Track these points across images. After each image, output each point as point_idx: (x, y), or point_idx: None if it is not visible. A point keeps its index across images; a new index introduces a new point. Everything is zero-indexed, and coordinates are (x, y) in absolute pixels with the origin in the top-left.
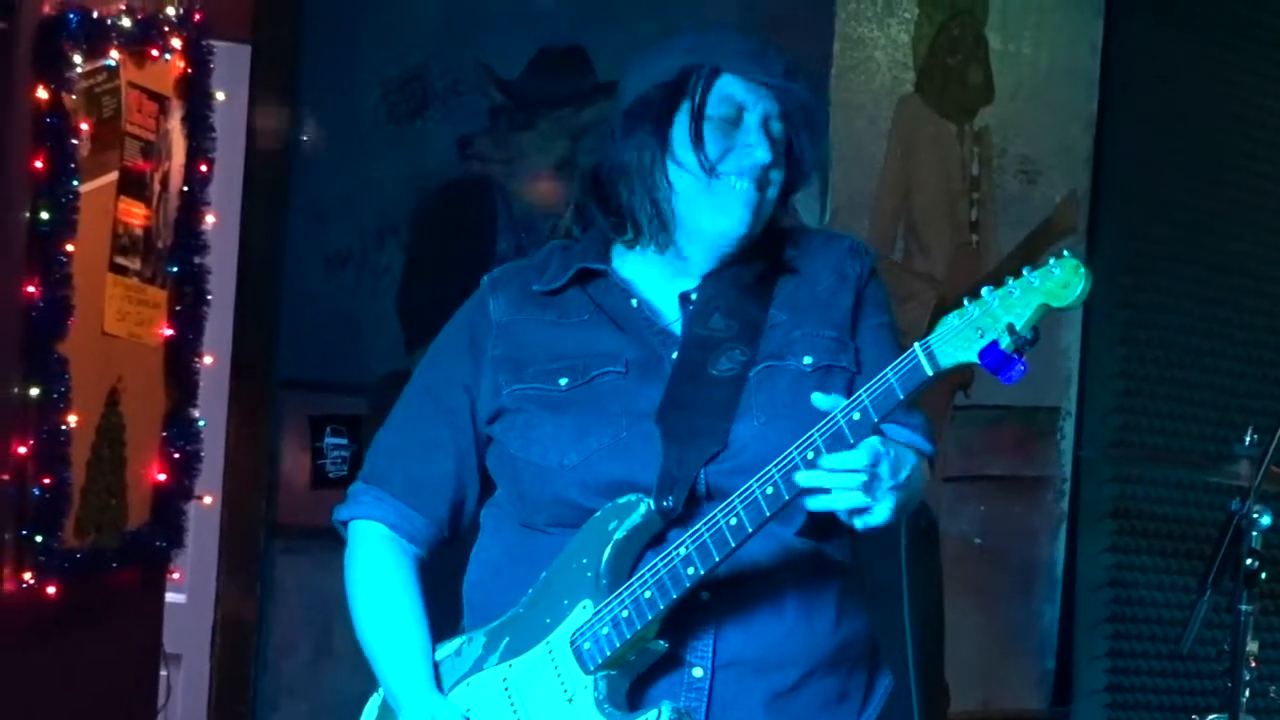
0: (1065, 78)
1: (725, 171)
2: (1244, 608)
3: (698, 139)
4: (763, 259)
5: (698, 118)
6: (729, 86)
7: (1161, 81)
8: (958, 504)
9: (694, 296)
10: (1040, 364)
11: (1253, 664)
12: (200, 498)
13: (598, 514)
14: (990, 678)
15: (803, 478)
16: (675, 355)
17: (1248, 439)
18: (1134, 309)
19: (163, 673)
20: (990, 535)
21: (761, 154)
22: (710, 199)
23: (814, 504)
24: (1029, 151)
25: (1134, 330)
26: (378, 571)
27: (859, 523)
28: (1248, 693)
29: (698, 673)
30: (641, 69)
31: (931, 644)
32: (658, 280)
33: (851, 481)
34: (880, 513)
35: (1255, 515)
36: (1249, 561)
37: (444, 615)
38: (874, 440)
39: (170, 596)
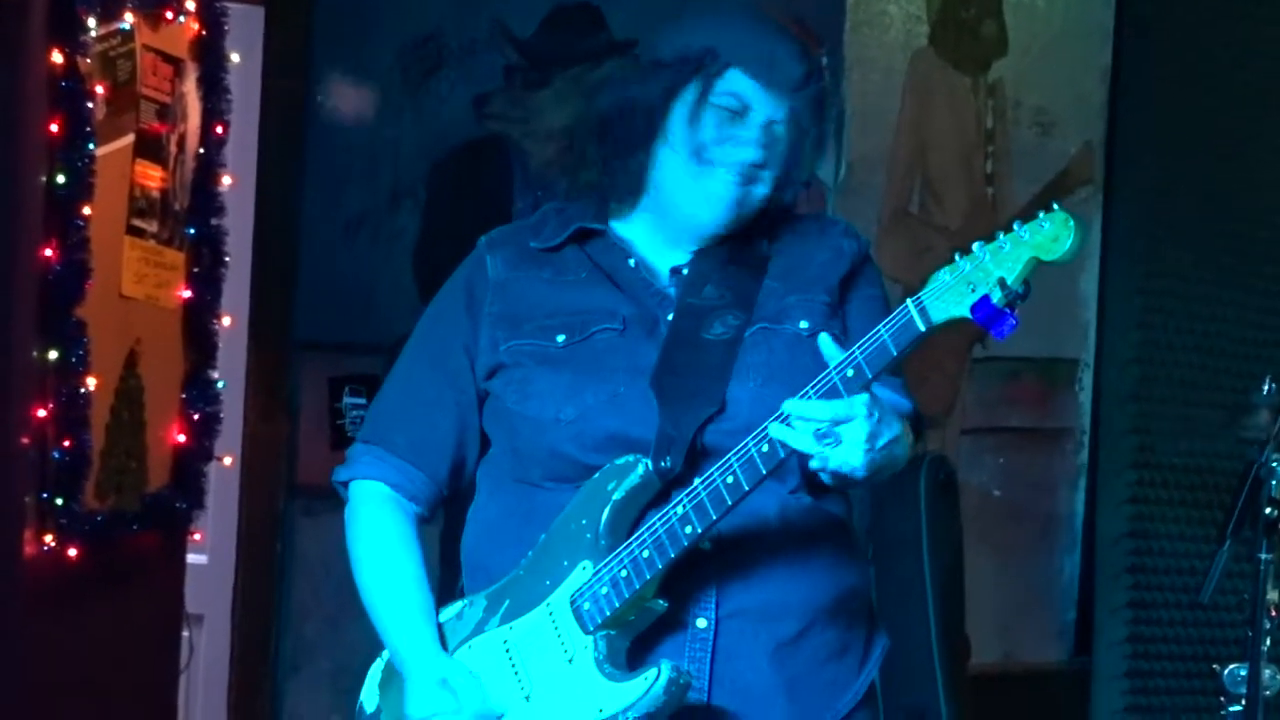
0: (1079, 30)
1: (715, 160)
2: (1264, 556)
3: (694, 120)
4: (757, 237)
5: (700, 101)
6: (740, 83)
7: (1176, 31)
8: (977, 456)
9: (685, 271)
10: (1059, 316)
11: (1273, 613)
12: (220, 459)
13: (596, 475)
14: (1010, 630)
15: (774, 429)
16: (670, 317)
17: (1266, 388)
18: (1151, 260)
19: (185, 633)
20: (1010, 487)
21: (753, 153)
22: (694, 186)
23: (776, 432)
24: (1044, 103)
25: (1151, 281)
26: (380, 531)
27: (814, 463)
28: (1268, 641)
29: (701, 623)
30: (664, 35)
31: (952, 597)
32: (654, 244)
33: (807, 429)
34: (834, 462)
35: (1275, 464)
36: (1269, 511)
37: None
38: (860, 399)
39: (191, 558)
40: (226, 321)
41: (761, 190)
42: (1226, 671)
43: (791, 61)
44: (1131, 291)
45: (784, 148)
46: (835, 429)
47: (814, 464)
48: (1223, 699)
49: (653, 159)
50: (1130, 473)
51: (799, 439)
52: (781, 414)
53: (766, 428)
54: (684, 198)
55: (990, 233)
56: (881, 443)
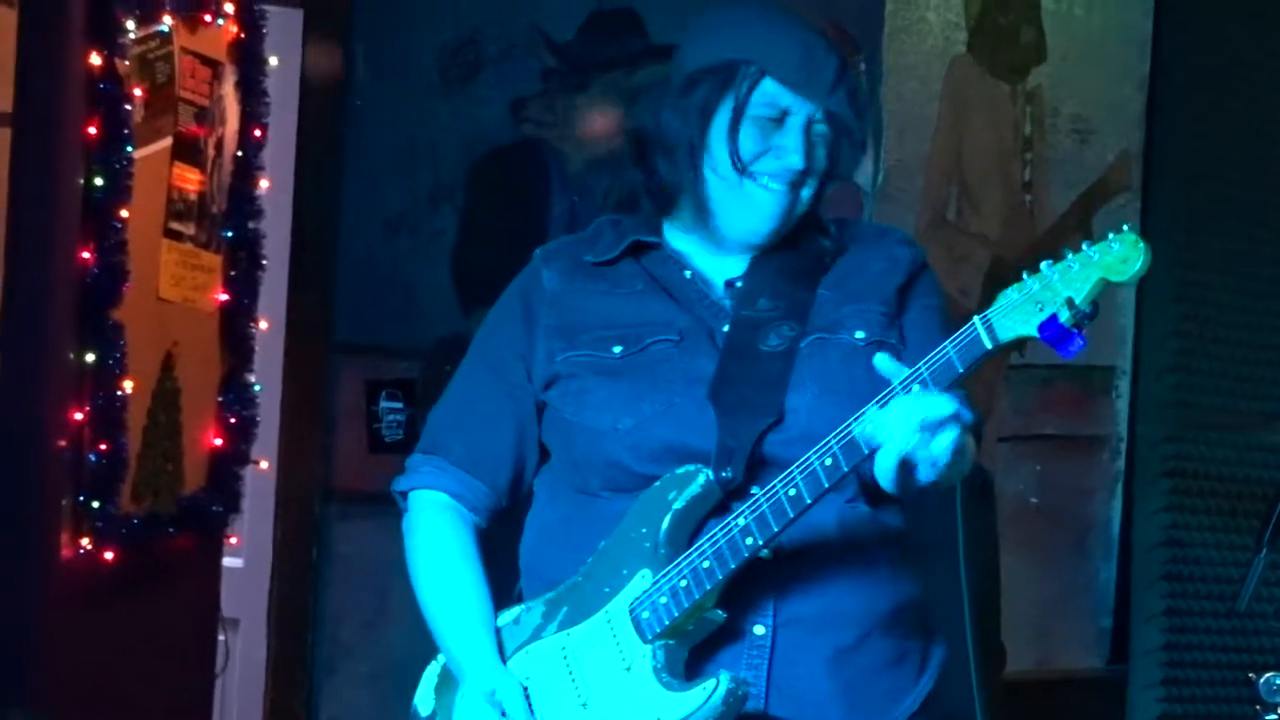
0: (1117, 37)
1: (759, 172)
2: None
3: (734, 135)
4: (811, 246)
5: (738, 115)
6: (775, 91)
7: (1214, 39)
8: (1013, 463)
9: (739, 284)
10: (1096, 323)
11: None
12: (256, 462)
13: (657, 483)
14: (1046, 637)
15: (880, 360)
16: (726, 329)
17: None
18: (1188, 267)
19: (220, 637)
20: (1046, 494)
21: (795, 160)
22: (740, 198)
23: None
24: (1082, 111)
25: (1188, 289)
26: (439, 540)
27: (899, 486)
28: None
29: (759, 630)
30: (696, 44)
31: (988, 603)
32: (708, 255)
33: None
34: (927, 460)
35: None
36: None
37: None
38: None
39: (227, 561)
40: (263, 325)
41: (807, 194)
42: (1263, 680)
43: (824, 61)
44: (1168, 299)
45: (824, 149)
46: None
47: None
48: (1259, 707)
49: (697, 177)
50: (1166, 480)
51: (897, 440)
52: (844, 437)
53: (833, 448)
54: (733, 212)
55: (1029, 242)
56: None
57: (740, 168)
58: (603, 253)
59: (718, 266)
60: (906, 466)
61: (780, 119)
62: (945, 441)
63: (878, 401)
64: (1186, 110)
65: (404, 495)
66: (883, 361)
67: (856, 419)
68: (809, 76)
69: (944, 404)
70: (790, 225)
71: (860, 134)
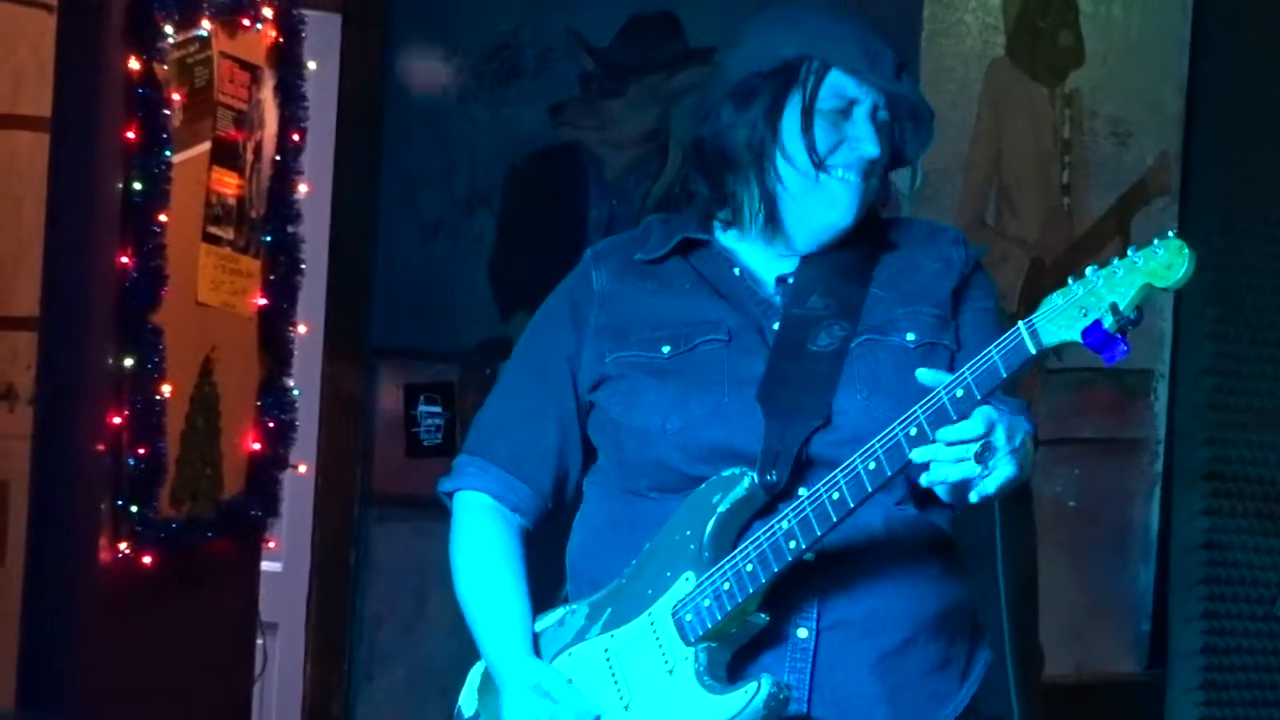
0: (1156, 40)
1: (834, 164)
2: None
3: (808, 132)
4: (863, 244)
5: (809, 111)
6: (841, 81)
7: (1253, 42)
8: (1051, 467)
9: (790, 280)
10: (1134, 330)
11: None
12: (295, 466)
13: (702, 486)
14: (1084, 640)
15: (918, 453)
16: (776, 326)
17: None
18: (1226, 270)
19: (259, 641)
20: (1084, 498)
21: (870, 148)
22: (818, 192)
23: (927, 478)
24: (1120, 113)
25: (1226, 292)
26: (481, 542)
27: (972, 495)
28: None
29: (802, 633)
30: (747, 49)
31: (1026, 607)
32: (760, 253)
33: (965, 452)
34: (996, 479)
35: None
36: None
37: (547, 587)
38: (988, 408)
39: (266, 565)
40: (302, 329)
41: (875, 182)
42: None
43: (882, 48)
44: (1206, 302)
45: (888, 132)
46: (990, 440)
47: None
48: None
49: (768, 183)
50: (1204, 484)
51: (955, 471)
52: (888, 441)
53: (876, 452)
54: (810, 209)
55: (1069, 244)
56: (1019, 441)
57: (818, 162)
58: (652, 251)
59: (768, 263)
60: (966, 486)
61: (847, 110)
62: (1000, 449)
63: (922, 406)
64: (1225, 112)
65: (449, 496)
66: (925, 375)
67: (901, 422)
68: (873, 64)
69: (978, 422)
70: (863, 214)
71: (930, 111)
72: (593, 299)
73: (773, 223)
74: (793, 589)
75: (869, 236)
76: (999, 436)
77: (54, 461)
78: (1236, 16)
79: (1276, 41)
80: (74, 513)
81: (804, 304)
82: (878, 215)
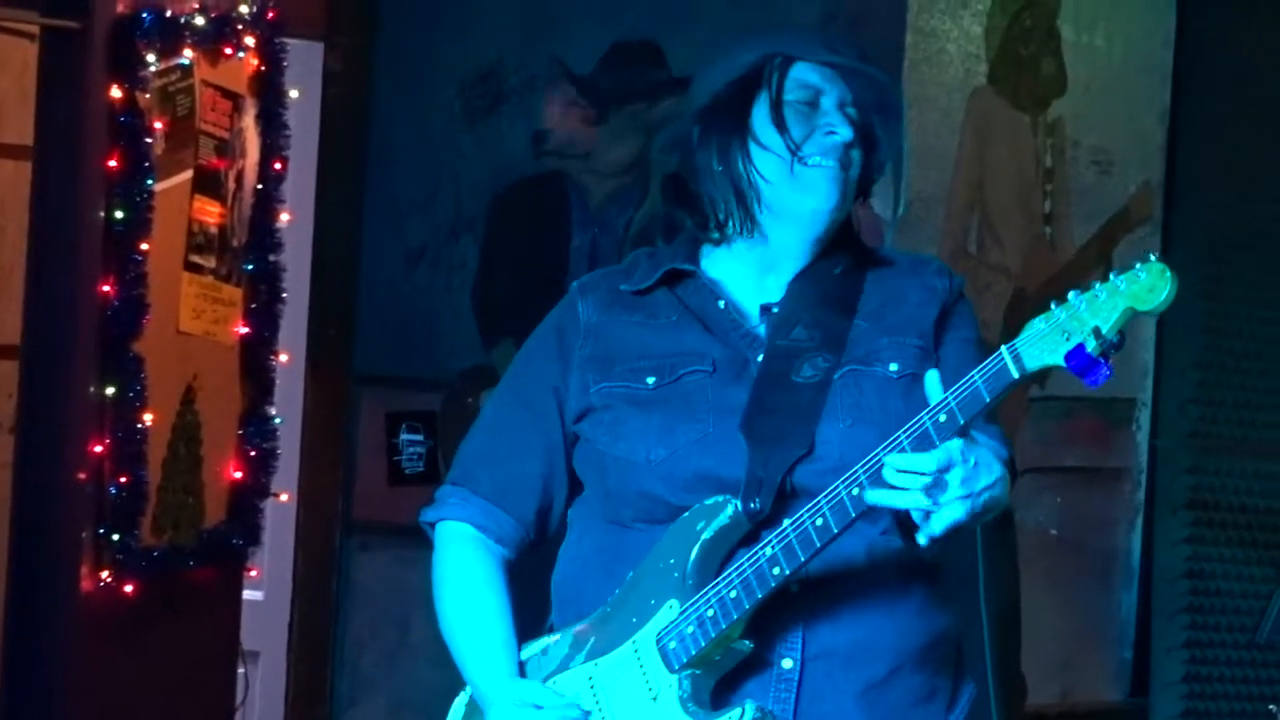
0: (1139, 69)
1: (809, 153)
2: None
3: (780, 123)
4: (847, 273)
5: (777, 103)
6: (803, 72)
7: (1235, 72)
8: (1035, 495)
9: (775, 310)
10: (1117, 355)
11: None
12: (277, 495)
13: (686, 514)
14: (1067, 668)
15: (872, 477)
16: (760, 358)
17: None
18: (1209, 300)
19: (240, 670)
20: (1067, 526)
21: (844, 131)
22: (796, 181)
23: (875, 498)
24: (1103, 143)
25: (1210, 321)
26: (464, 571)
27: (920, 536)
28: None
29: (787, 664)
30: (712, 71)
31: (1008, 635)
32: (746, 279)
33: (915, 483)
34: (941, 520)
35: None
36: None
37: (531, 619)
38: (954, 444)
39: (248, 594)
40: (284, 358)
41: (854, 173)
42: None
43: (845, 42)
44: (1190, 330)
45: (860, 128)
46: (943, 477)
47: (922, 526)
48: None
49: (747, 183)
50: (1187, 512)
51: (899, 498)
52: (871, 467)
53: (859, 478)
54: (793, 196)
55: (1051, 274)
56: (980, 486)
57: (793, 148)
58: (638, 282)
59: (754, 292)
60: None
61: (814, 101)
62: (953, 489)
63: (906, 431)
64: (1208, 142)
65: (431, 526)
66: (932, 381)
67: (884, 448)
68: (833, 50)
69: (938, 457)
70: (846, 206)
71: (893, 100)
72: (579, 330)
73: (752, 220)
74: (777, 619)
75: (853, 264)
76: (954, 477)
77: (36, 490)
78: (1218, 46)
79: (1258, 71)
80: (56, 541)
81: (788, 335)
82: (862, 244)
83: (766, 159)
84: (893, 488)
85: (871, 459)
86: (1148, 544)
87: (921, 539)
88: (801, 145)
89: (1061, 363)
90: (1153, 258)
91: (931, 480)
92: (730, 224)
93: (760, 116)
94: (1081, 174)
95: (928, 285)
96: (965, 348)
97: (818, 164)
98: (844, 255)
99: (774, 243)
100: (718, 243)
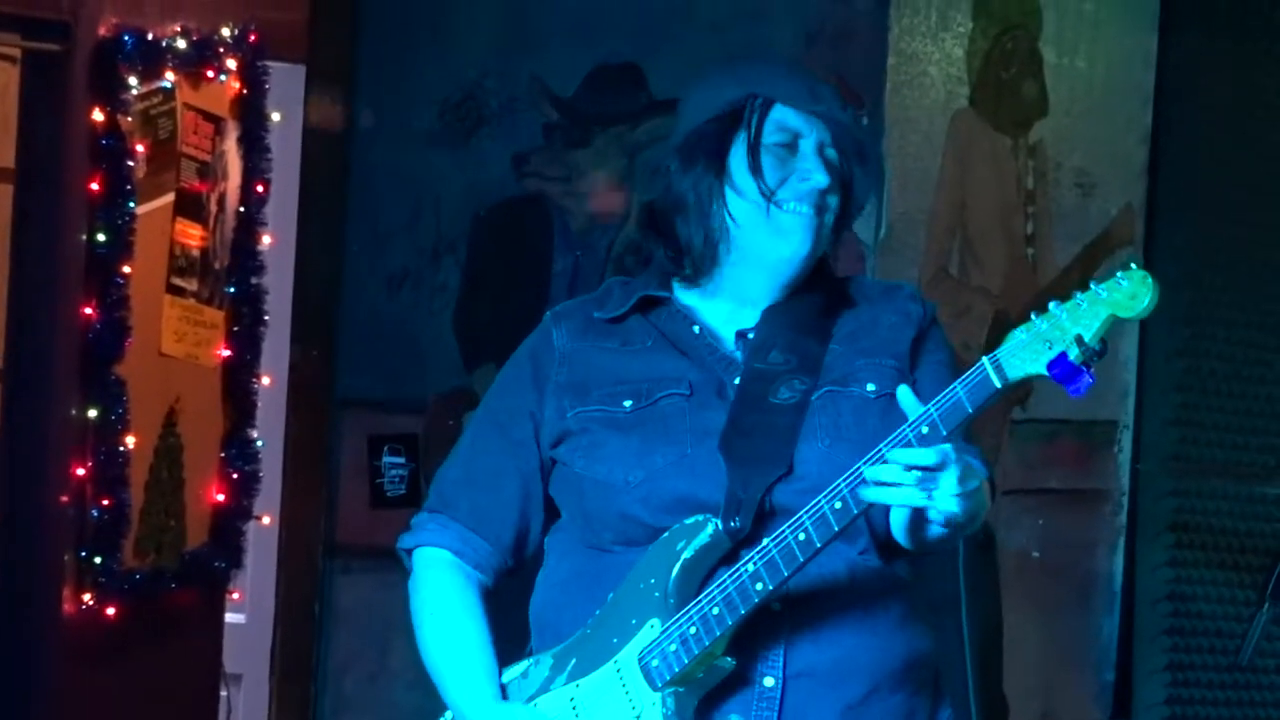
0: (1120, 91)
1: (784, 198)
2: None
3: (755, 167)
4: (821, 300)
5: (755, 146)
6: (783, 115)
7: (1217, 94)
8: (1016, 517)
9: (751, 335)
10: (1098, 377)
11: None
12: (259, 518)
13: (665, 534)
14: (1049, 690)
15: (870, 471)
16: (737, 381)
17: None
18: (1191, 322)
19: (223, 693)
20: (1049, 548)
21: (819, 178)
22: (770, 226)
23: (871, 495)
24: (1084, 165)
25: (1191, 343)
26: (443, 596)
27: (906, 538)
28: None
29: (769, 682)
30: (693, 104)
31: (990, 657)
32: (720, 308)
33: (912, 478)
34: (939, 510)
35: None
36: None
37: (510, 645)
38: (946, 445)
39: (230, 616)
40: (266, 380)
41: (830, 218)
42: None
43: (824, 87)
44: (1171, 353)
45: (838, 172)
46: (937, 475)
47: (908, 532)
48: None
49: (720, 225)
50: (1169, 534)
51: (895, 495)
52: (854, 481)
53: (842, 492)
54: (766, 241)
55: (1033, 295)
56: (971, 487)
57: (768, 194)
58: (612, 310)
59: (728, 319)
60: (918, 520)
61: (793, 144)
62: (948, 484)
63: (888, 443)
64: (1189, 164)
65: (408, 553)
66: (905, 395)
67: (865, 462)
68: (814, 97)
69: (923, 455)
70: (819, 251)
71: (870, 150)
72: (554, 357)
73: (729, 266)
74: (759, 637)
75: (827, 293)
76: (949, 474)
77: (17, 513)
78: (1200, 69)
79: (1240, 94)
80: (38, 564)
81: (764, 359)
82: (834, 273)
83: (740, 203)
84: (887, 485)
85: (853, 473)
86: (1129, 566)
87: (909, 541)
88: (776, 191)
89: (1044, 371)
90: (1134, 265)
91: (929, 474)
92: (696, 265)
93: (738, 159)
94: (1063, 196)
95: (901, 310)
96: (940, 370)
97: (793, 210)
98: (817, 286)
99: (744, 287)
100: (688, 282)
